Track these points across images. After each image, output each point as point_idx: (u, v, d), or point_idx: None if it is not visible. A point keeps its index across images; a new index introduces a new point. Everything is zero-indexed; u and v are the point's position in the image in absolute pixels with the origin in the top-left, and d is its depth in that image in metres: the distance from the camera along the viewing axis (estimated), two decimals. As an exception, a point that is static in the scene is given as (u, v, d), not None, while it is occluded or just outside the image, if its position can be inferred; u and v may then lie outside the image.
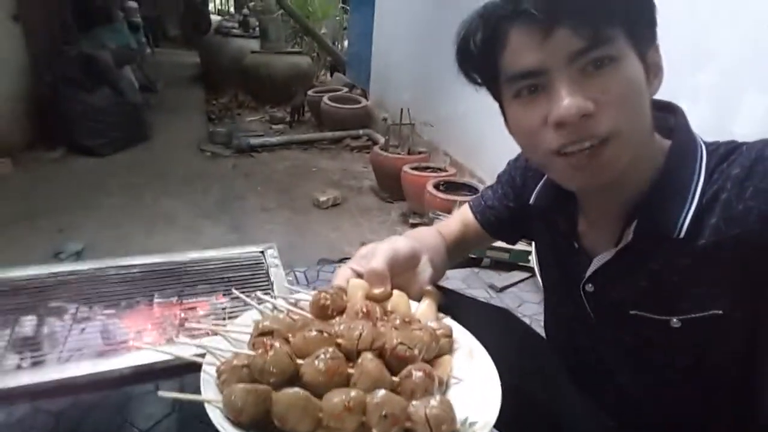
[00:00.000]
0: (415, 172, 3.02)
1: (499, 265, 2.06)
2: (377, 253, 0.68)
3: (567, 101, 0.55)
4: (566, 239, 0.76)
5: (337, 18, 7.62)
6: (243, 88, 5.94)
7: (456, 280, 2.09)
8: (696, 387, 0.68)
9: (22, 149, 3.62)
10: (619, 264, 0.67)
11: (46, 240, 2.51)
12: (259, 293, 0.64)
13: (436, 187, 2.71)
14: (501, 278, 1.98)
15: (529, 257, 2.03)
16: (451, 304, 0.69)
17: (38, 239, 2.53)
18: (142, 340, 1.02)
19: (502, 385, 0.54)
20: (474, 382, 0.55)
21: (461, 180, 2.92)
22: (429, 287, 0.71)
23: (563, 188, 0.73)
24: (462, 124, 3.23)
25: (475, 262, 2.08)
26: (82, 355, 0.95)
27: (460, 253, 0.96)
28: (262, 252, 1.35)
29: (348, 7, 6.62)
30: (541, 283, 1.84)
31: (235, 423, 0.47)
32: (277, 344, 0.51)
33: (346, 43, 6.83)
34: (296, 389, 0.47)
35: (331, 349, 0.51)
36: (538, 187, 0.79)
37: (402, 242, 0.72)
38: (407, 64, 4.16)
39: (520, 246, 2.08)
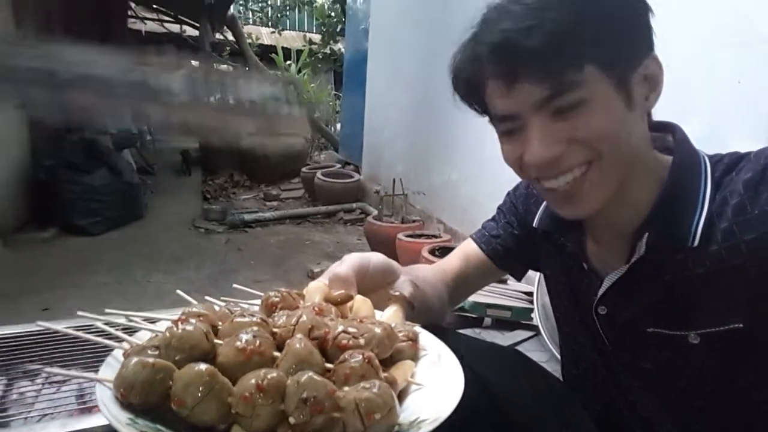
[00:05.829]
0: (410, 240, 3.01)
1: (501, 325, 1.98)
2: (345, 260, 0.64)
3: (536, 149, 0.57)
4: (575, 261, 0.74)
5: (330, 103, 8.10)
6: (239, 169, 6.11)
7: (458, 343, 1.96)
8: (725, 417, 0.62)
9: (14, 231, 3.59)
10: (631, 280, 0.65)
11: (28, 319, 2.39)
12: (207, 297, 0.58)
13: (432, 252, 2.69)
14: (504, 338, 1.90)
15: (532, 315, 1.96)
16: (461, 347, 0.61)
17: (20, 319, 2.41)
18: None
19: (521, 427, 0.47)
20: (436, 387, 0.47)
21: (456, 245, 2.90)
22: (397, 293, 0.65)
23: None
24: (454, 191, 3.28)
25: (477, 322, 2.00)
26: (53, 416, 0.86)
27: (463, 289, 0.92)
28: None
29: (339, 94, 7.05)
30: (547, 340, 1.78)
31: (123, 403, 0.38)
32: (193, 320, 0.44)
33: (338, 125, 7.18)
34: (201, 365, 0.39)
35: (255, 328, 0.44)
36: (540, 210, 0.79)
37: (377, 254, 0.69)
38: (399, 138, 4.32)
39: (522, 304, 2.02)
